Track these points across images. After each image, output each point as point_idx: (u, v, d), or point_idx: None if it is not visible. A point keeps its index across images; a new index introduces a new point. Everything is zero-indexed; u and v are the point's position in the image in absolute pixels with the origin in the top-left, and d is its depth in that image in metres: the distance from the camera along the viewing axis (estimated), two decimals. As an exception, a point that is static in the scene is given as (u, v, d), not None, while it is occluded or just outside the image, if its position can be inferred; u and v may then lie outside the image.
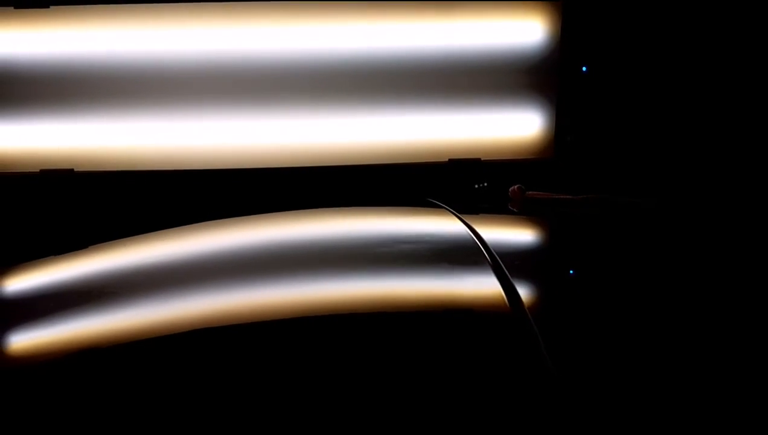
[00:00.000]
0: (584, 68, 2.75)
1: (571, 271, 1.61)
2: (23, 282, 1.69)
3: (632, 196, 2.20)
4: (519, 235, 1.88)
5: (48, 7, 2.55)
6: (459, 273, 1.42)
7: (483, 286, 1.33)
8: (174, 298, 1.46)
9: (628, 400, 1.02)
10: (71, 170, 2.66)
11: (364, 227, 1.81)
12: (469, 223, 1.62)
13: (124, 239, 1.88)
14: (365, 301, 1.36)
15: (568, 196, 2.24)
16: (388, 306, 1.32)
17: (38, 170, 2.65)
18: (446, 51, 2.68)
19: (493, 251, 1.43)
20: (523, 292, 1.25)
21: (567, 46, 2.70)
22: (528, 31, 2.70)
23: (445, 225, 1.69)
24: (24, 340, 1.36)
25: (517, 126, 2.77)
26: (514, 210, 2.16)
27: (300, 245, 1.72)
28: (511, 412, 1.00)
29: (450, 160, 2.74)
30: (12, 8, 2.54)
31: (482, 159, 2.74)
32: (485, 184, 2.59)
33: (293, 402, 1.04)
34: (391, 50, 2.67)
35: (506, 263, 1.36)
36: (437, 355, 1.12)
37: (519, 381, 1.05)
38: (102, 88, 2.62)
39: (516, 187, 2.39)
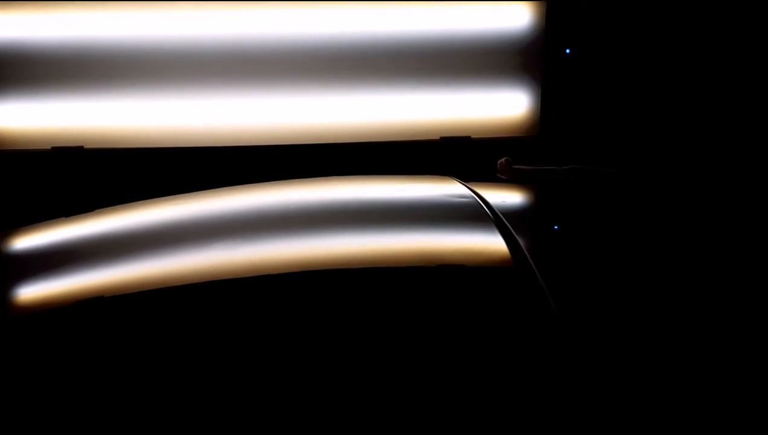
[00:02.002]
0: (568, 51, 2.73)
1: (557, 227, 1.65)
2: (36, 238, 1.67)
3: (609, 168, 2.22)
4: (513, 197, 1.89)
5: (59, -10, 2.52)
6: (465, 226, 1.47)
7: (486, 236, 1.38)
8: (185, 249, 1.45)
9: (631, 345, 1.04)
10: (81, 147, 2.63)
11: (378, 190, 1.82)
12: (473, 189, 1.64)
13: (129, 204, 1.86)
14: (378, 249, 1.37)
15: (551, 167, 2.23)
16: (405, 254, 1.34)
17: (50, 147, 2.63)
18: (438, 34, 2.66)
19: (494, 208, 1.47)
20: (523, 242, 1.29)
21: (552, 29, 2.68)
22: (515, 16, 2.68)
23: (455, 189, 1.72)
24: (34, 287, 1.35)
25: (505, 106, 2.75)
26: (503, 177, 2.15)
27: (304, 206, 1.70)
28: (520, 355, 1.02)
29: (441, 138, 2.72)
30: (24, -8, 2.52)
31: (472, 137, 2.72)
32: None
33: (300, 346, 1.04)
34: (385, 33, 2.65)
35: (507, 218, 1.40)
36: (451, 298, 1.15)
37: (527, 326, 1.07)
38: (111, 70, 2.59)
39: (504, 159, 2.36)
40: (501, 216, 1.42)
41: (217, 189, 1.85)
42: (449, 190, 1.72)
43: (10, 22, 2.54)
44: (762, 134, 2.75)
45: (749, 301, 1.18)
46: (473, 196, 1.57)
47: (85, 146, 2.63)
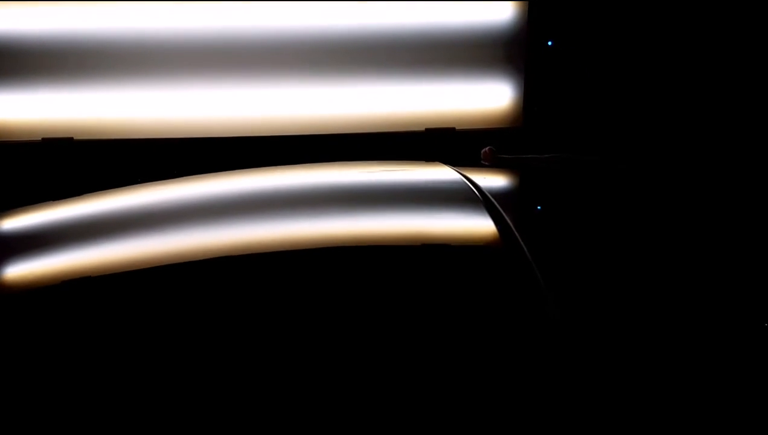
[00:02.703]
0: (550, 43, 2.75)
1: (541, 208, 1.66)
2: (24, 220, 1.66)
3: (589, 156, 2.24)
4: (498, 180, 1.90)
5: (49, -17, 2.52)
6: (457, 208, 1.49)
7: (477, 218, 1.38)
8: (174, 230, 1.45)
9: (620, 325, 1.04)
10: (71, 139, 2.63)
11: (370, 175, 1.82)
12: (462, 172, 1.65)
13: (118, 188, 1.85)
14: (372, 230, 1.38)
15: (533, 156, 2.24)
16: (399, 235, 1.34)
17: (40, 139, 2.62)
18: (422, 28, 2.67)
19: (484, 190, 1.48)
20: (513, 222, 1.31)
21: (534, 22, 2.69)
22: (498, 9, 2.69)
23: (445, 173, 1.73)
24: (21, 266, 1.34)
25: (489, 97, 2.76)
26: (486, 163, 2.16)
27: (294, 189, 1.70)
28: (510, 332, 1.02)
29: (426, 129, 2.73)
30: (15, -16, 2.51)
31: (456, 128, 2.73)
32: None
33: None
34: (371, 27, 2.65)
35: (496, 200, 1.42)
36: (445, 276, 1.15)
37: (517, 303, 1.07)
38: (101, 62, 2.59)
39: (487, 148, 2.37)
40: (491, 198, 1.43)
41: (211, 174, 1.85)
42: (439, 174, 1.73)
43: (0, 15, 2.53)
44: (744, 122, 2.77)
45: (729, 276, 1.19)
46: (463, 180, 1.58)
47: (75, 137, 2.62)
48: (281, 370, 0.95)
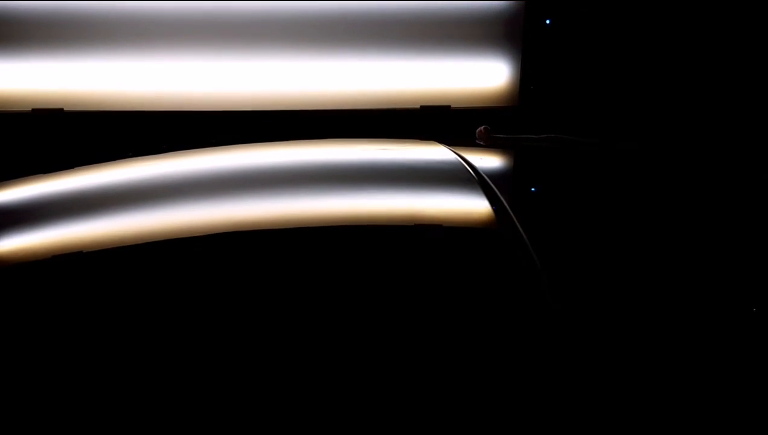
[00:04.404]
0: (548, 21, 2.71)
1: (536, 189, 1.65)
2: (13, 193, 1.63)
3: (584, 138, 2.23)
4: (493, 160, 1.89)
5: (40, -49, 2.47)
6: (452, 187, 1.48)
7: (472, 198, 1.37)
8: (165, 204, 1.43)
9: (615, 303, 1.04)
10: (61, 110, 2.59)
11: (365, 153, 1.81)
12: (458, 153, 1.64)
13: (111, 162, 1.82)
14: (367, 210, 1.36)
15: (528, 136, 2.23)
16: (394, 214, 1.33)
17: (30, 109, 2.59)
18: (419, 4, 2.63)
19: (479, 170, 1.47)
20: (508, 203, 1.30)
21: (532, 0, 2.66)
22: (496, -14, 2.66)
23: (440, 152, 1.72)
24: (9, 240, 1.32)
25: (485, 76, 2.73)
26: (481, 143, 2.14)
27: (293, 166, 1.68)
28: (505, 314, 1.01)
29: (422, 106, 2.70)
30: (4, -49, 2.46)
31: (452, 106, 2.71)
32: None
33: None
34: (367, 2, 2.61)
35: (493, 181, 1.40)
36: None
37: (513, 283, 1.07)
38: (92, 32, 2.55)
39: (482, 127, 2.35)
40: (486, 178, 1.42)
41: (203, 148, 1.83)
42: (435, 153, 1.71)
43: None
44: (743, 104, 2.76)
45: (725, 259, 1.19)
46: (458, 160, 1.57)
47: (66, 108, 2.59)
48: (267, 342, 0.94)
